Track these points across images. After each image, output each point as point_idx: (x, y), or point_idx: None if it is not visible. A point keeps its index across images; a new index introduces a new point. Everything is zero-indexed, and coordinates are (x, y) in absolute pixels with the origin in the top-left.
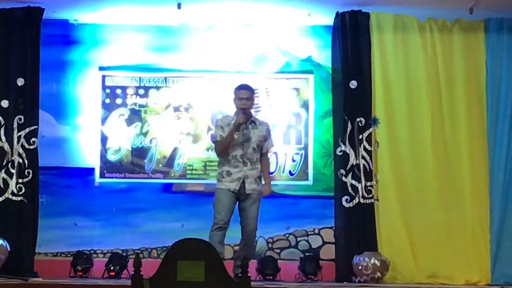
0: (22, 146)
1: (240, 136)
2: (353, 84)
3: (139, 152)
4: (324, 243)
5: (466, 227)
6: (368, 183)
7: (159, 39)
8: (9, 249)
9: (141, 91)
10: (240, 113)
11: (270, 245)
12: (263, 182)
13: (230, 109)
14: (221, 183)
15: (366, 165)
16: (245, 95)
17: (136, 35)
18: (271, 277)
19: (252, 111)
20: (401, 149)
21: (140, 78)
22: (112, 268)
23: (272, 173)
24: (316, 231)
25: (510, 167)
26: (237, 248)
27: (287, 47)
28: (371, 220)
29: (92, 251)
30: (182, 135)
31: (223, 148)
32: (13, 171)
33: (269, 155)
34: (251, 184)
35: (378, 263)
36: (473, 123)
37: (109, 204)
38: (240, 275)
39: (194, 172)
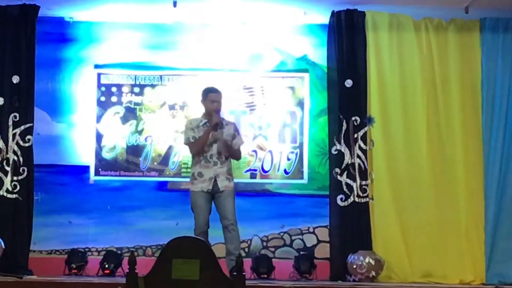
0: (17, 143)
1: (210, 136)
2: (349, 83)
3: (134, 150)
4: (319, 242)
5: (460, 226)
6: (363, 182)
7: (154, 37)
8: (3, 246)
9: (137, 89)
10: (214, 114)
11: (264, 244)
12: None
13: (224, 107)
14: (194, 185)
15: (361, 164)
16: (218, 98)
17: (131, 33)
18: (265, 276)
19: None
20: (396, 148)
21: (135, 76)
22: (106, 266)
23: (266, 171)
24: (311, 230)
25: (505, 166)
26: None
27: (282, 45)
28: (366, 219)
29: (86, 249)
30: (177, 133)
31: (200, 148)
32: (8, 168)
33: (263, 152)
34: (223, 182)
35: (372, 262)
36: (468, 122)
37: (104, 202)
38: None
39: (189, 170)
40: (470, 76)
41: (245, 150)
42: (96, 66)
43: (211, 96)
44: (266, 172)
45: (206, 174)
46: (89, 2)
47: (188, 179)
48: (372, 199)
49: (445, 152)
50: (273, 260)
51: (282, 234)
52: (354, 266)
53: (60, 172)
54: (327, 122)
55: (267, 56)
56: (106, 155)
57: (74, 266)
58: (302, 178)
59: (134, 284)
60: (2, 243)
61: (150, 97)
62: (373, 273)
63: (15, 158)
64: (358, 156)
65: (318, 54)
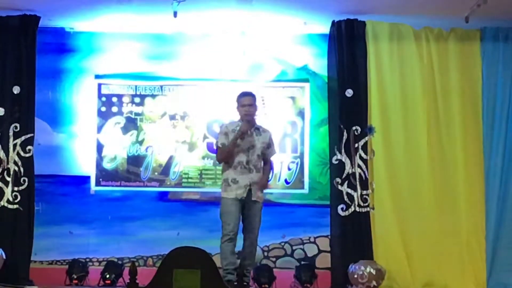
0: (18, 154)
1: (246, 142)
2: (349, 92)
3: (135, 160)
4: (320, 251)
5: (461, 236)
6: (364, 192)
7: (155, 47)
8: (4, 257)
9: (137, 99)
10: (244, 121)
11: (265, 254)
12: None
13: (226, 117)
14: (226, 192)
15: (362, 173)
16: (248, 101)
17: (132, 43)
18: (266, 286)
19: (256, 118)
20: (397, 157)
21: (136, 86)
22: (107, 276)
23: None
24: (312, 240)
25: (506, 175)
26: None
27: (283, 55)
28: (367, 228)
29: (87, 259)
30: (178, 144)
31: (225, 156)
32: (8, 179)
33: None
34: (257, 192)
35: (373, 272)
36: (468, 131)
37: (105, 212)
38: (245, 283)
39: (189, 180)
40: (471, 85)
41: None
42: (97, 76)
43: (241, 101)
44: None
45: (242, 181)
46: (90, 13)
47: (188, 189)
48: (373, 208)
49: (446, 161)
50: (274, 270)
51: (283, 244)
52: (355, 276)
53: (61, 183)
54: (328, 132)
55: (267, 66)
56: (107, 165)
57: (75, 277)
58: (303, 188)
59: None
60: (3, 254)
61: (150, 107)
62: (374, 282)
63: (16, 168)
64: (359, 166)
65: (319, 64)
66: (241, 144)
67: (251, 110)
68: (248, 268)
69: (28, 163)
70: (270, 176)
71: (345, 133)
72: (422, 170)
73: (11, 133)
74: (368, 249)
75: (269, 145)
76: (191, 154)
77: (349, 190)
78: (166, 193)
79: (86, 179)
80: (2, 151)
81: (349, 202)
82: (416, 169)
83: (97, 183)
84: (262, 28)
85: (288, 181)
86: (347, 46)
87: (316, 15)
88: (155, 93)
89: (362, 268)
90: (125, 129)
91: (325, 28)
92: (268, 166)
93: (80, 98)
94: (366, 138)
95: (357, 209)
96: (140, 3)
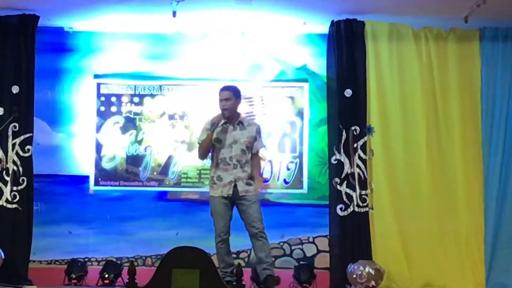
0: (17, 153)
1: (228, 138)
2: (348, 92)
3: (134, 160)
4: (319, 251)
5: (460, 236)
6: (363, 192)
7: (154, 47)
8: (3, 256)
9: (136, 99)
10: (220, 113)
11: None
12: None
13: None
14: (213, 190)
15: (361, 173)
16: (224, 96)
17: (131, 43)
18: None
19: (243, 113)
20: (396, 157)
21: (135, 86)
22: (106, 276)
23: (266, 181)
24: (311, 240)
25: (505, 175)
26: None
27: (282, 55)
28: (366, 228)
29: (86, 259)
30: (177, 143)
31: (202, 151)
32: (7, 178)
33: (263, 162)
34: (243, 186)
35: (372, 272)
36: (467, 132)
37: (104, 212)
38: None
39: (188, 180)
40: (470, 85)
41: None
42: (96, 76)
43: (219, 95)
44: (266, 181)
45: (225, 178)
46: (89, 12)
47: (187, 189)
48: (372, 208)
49: (445, 161)
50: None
51: (282, 244)
52: (354, 276)
53: (60, 182)
54: (327, 131)
55: (266, 66)
56: (106, 165)
57: (74, 276)
58: (301, 187)
59: None
60: (2, 253)
61: (149, 107)
62: (373, 282)
63: (15, 168)
64: (358, 166)
65: (318, 63)
66: (223, 140)
67: (227, 105)
68: (267, 260)
69: (27, 162)
70: (260, 170)
71: (344, 133)
72: (421, 170)
73: (10, 133)
74: (367, 249)
75: (255, 138)
76: (190, 153)
77: (348, 190)
78: (165, 192)
79: (85, 178)
80: (1, 151)
81: (348, 202)
82: (415, 169)
83: (96, 183)
84: (261, 28)
85: (287, 181)
86: (346, 46)
87: (315, 15)
88: (154, 93)
89: (361, 268)
90: (124, 129)
91: (324, 28)
92: (255, 160)
93: (79, 97)
94: (365, 138)
95: (356, 209)
96: (140, 3)
